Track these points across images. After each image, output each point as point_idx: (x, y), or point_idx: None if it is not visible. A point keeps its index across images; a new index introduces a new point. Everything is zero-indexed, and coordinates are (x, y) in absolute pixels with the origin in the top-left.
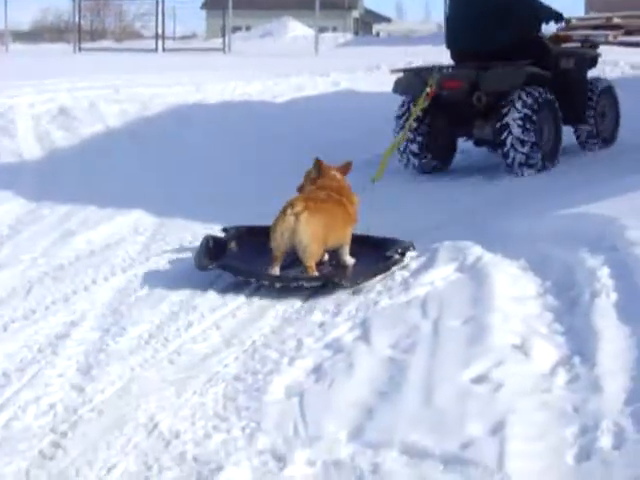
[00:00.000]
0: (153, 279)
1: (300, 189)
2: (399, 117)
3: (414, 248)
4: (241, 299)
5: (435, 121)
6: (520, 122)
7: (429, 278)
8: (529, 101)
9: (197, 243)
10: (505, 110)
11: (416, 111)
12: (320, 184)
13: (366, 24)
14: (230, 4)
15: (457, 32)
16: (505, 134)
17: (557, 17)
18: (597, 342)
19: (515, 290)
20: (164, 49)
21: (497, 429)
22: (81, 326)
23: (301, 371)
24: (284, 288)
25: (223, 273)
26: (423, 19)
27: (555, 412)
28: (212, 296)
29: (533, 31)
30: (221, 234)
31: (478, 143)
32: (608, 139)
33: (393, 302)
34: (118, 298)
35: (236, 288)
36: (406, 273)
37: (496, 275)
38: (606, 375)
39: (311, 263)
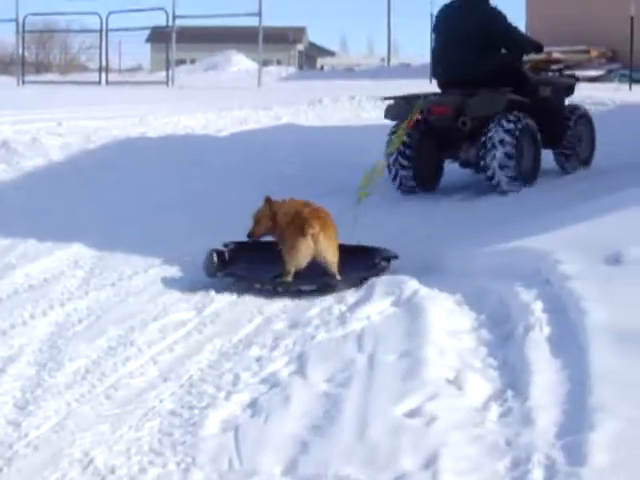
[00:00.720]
0: (92, 314)
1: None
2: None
3: (397, 258)
4: (180, 334)
5: (422, 145)
6: (502, 145)
7: (366, 312)
8: (510, 126)
9: (137, 277)
10: (489, 134)
11: (400, 135)
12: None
13: (310, 57)
14: (173, 38)
15: (443, 61)
16: (489, 156)
17: (537, 47)
18: (530, 376)
19: (450, 324)
20: (107, 82)
21: (430, 463)
22: (18, 361)
23: (237, 405)
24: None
25: (168, 307)
26: (367, 53)
27: (487, 445)
28: (151, 330)
29: (514, 61)
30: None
31: (463, 165)
32: (585, 161)
33: (330, 336)
34: (56, 332)
35: (175, 323)
36: (343, 307)
37: (432, 309)
38: (538, 409)
39: (335, 271)
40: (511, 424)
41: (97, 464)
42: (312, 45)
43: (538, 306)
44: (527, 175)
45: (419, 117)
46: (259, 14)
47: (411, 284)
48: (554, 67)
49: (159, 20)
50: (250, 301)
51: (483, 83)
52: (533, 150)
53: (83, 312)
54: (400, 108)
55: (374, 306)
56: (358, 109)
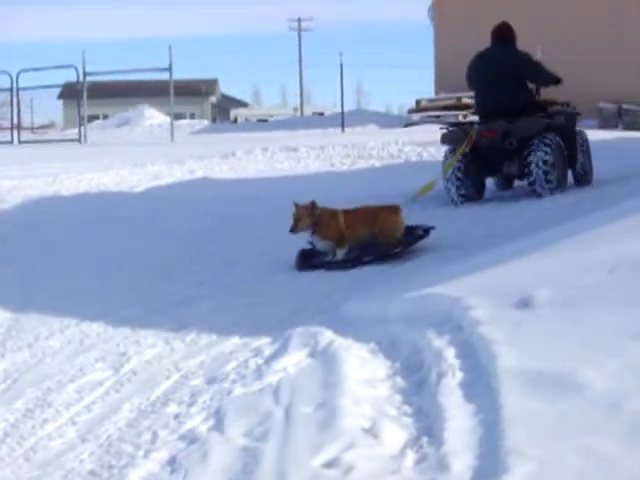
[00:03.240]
0: (9, 376)
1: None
2: (444, 160)
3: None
4: (97, 393)
5: (471, 167)
6: (543, 158)
7: (282, 364)
8: (548, 143)
9: (53, 337)
10: (533, 150)
11: (457, 155)
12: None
13: (224, 109)
14: (84, 95)
15: (485, 97)
16: (532, 167)
17: (557, 81)
18: (444, 421)
19: (365, 373)
20: (20, 141)
21: None
22: None
23: (156, 463)
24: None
25: (84, 367)
26: (280, 103)
27: None
28: (68, 391)
29: (537, 93)
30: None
31: (506, 178)
32: (590, 178)
33: (247, 390)
34: None
35: (92, 383)
36: (260, 360)
37: (347, 359)
38: (453, 454)
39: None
40: (427, 470)
41: None
42: (225, 97)
43: (450, 352)
44: (559, 183)
45: (471, 142)
46: (169, 69)
47: (327, 335)
48: (560, 102)
49: (70, 76)
50: (167, 358)
51: (517, 113)
52: (562, 164)
53: (0, 375)
54: (455, 134)
55: (290, 358)
56: (272, 161)
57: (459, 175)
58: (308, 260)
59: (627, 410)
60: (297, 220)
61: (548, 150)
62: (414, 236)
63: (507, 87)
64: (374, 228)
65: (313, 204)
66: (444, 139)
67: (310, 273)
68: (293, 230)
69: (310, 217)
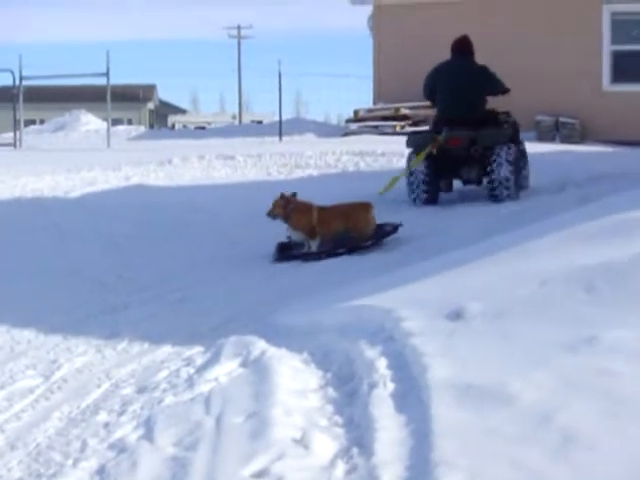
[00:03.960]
0: None
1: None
2: (408, 162)
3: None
4: (27, 401)
5: (432, 167)
6: (506, 166)
7: (214, 374)
8: (510, 151)
9: None
10: (495, 159)
11: (421, 157)
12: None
13: (162, 116)
14: (20, 99)
15: (447, 106)
16: (495, 175)
17: (507, 91)
18: (374, 432)
19: (297, 383)
20: None
21: None
22: None
23: (85, 472)
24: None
25: (15, 374)
26: (218, 111)
27: None
28: None
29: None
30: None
31: (465, 183)
32: (528, 184)
33: (178, 399)
34: None
35: (22, 391)
36: (191, 369)
37: (279, 369)
38: (383, 465)
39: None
40: None
41: None
42: (163, 103)
43: (382, 363)
44: (516, 189)
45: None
46: (107, 74)
47: (259, 345)
48: (502, 112)
49: (6, 80)
50: (98, 366)
51: (477, 122)
52: (517, 171)
53: None
54: (421, 138)
55: (222, 367)
56: (208, 168)
57: (421, 177)
58: (285, 252)
59: (556, 422)
60: (274, 207)
61: (510, 159)
62: (384, 231)
63: (469, 97)
64: (348, 223)
65: (289, 197)
66: (410, 142)
67: (246, 281)
68: (269, 214)
69: (283, 208)
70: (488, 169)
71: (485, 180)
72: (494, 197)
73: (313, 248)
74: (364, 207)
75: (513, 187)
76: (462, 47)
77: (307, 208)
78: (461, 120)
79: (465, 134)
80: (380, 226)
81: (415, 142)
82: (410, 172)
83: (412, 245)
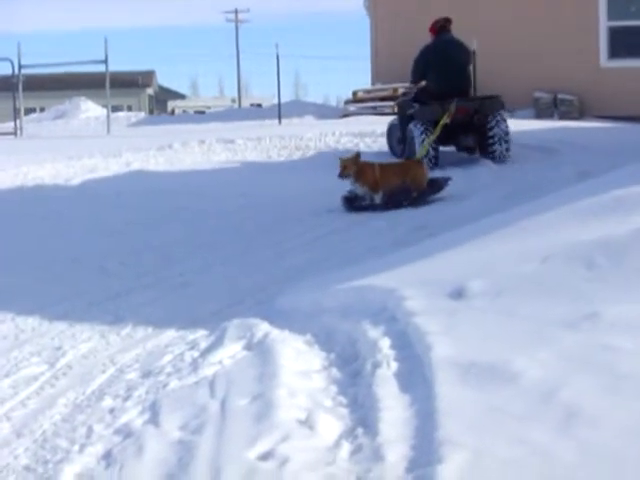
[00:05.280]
0: None
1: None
2: (421, 133)
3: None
4: (32, 388)
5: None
6: (504, 124)
7: (218, 357)
8: (505, 119)
9: None
10: (495, 118)
11: (440, 127)
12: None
13: (161, 101)
14: (20, 88)
15: (446, 80)
16: (496, 130)
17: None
18: (379, 412)
19: (301, 364)
20: None
21: None
22: None
23: (92, 458)
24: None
25: (19, 362)
26: (218, 95)
27: None
28: (2, 387)
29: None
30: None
31: (461, 149)
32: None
33: (182, 383)
34: None
35: (27, 378)
36: (195, 353)
37: (283, 351)
38: (388, 444)
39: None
40: (362, 461)
41: None
42: (162, 89)
43: (385, 343)
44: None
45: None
46: (105, 61)
47: (262, 327)
48: None
49: (5, 70)
50: (103, 352)
51: (465, 93)
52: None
53: None
54: (432, 110)
55: (226, 350)
56: (208, 152)
57: (433, 145)
58: (354, 202)
59: (560, 399)
60: (344, 168)
61: (506, 120)
62: (439, 184)
63: (464, 72)
64: (406, 178)
65: (357, 155)
66: (421, 114)
67: (248, 264)
68: (340, 175)
69: (354, 165)
70: (488, 128)
71: (485, 141)
72: (492, 153)
73: (377, 200)
74: (418, 164)
75: (510, 143)
76: (449, 26)
77: (370, 166)
78: (456, 93)
79: (471, 104)
80: (433, 180)
81: (427, 115)
82: (411, 138)
83: (415, 222)
